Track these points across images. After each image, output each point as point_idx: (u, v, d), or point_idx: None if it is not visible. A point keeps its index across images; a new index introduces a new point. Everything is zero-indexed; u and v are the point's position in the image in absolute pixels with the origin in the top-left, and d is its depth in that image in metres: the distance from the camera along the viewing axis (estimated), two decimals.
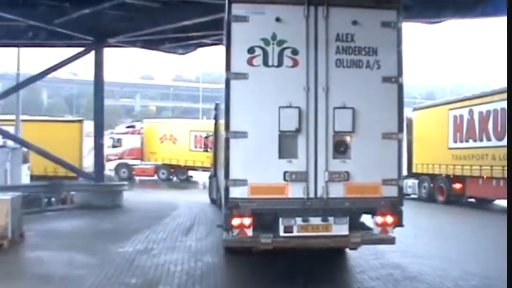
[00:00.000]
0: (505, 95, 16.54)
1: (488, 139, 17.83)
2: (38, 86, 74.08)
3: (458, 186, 19.86)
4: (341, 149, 7.31)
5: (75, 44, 17.89)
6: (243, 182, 7.06)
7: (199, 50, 19.07)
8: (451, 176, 20.02)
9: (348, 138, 7.33)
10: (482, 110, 18.31)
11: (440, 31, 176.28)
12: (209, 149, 21.39)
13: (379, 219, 7.44)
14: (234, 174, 7.08)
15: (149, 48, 19.37)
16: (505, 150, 16.09)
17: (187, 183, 32.69)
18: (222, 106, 7.96)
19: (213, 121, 19.32)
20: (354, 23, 7.34)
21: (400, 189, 7.46)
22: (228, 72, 7.14)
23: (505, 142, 16.41)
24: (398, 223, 7.46)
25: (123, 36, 16.78)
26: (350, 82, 7.36)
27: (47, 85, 79.84)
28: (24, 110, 24.38)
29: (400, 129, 7.50)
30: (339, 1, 7.41)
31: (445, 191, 20.44)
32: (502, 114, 16.79)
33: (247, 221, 7.08)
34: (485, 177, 17.95)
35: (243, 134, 7.10)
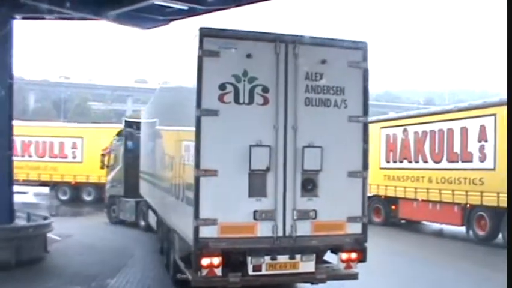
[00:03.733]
0: (443, 116, 18.63)
1: (425, 161, 19.63)
2: (25, 89, 77.29)
3: (393, 207, 21.58)
4: (308, 187, 8.30)
5: None
6: (212, 222, 7.82)
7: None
8: (385, 197, 21.64)
9: (315, 177, 8.35)
10: (417, 130, 20.01)
11: (439, 35, 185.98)
12: (106, 167, 22.05)
13: (344, 255, 8.55)
14: (203, 214, 7.80)
15: (81, 18, 14.44)
16: (442, 173, 18.13)
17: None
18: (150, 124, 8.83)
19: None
20: (323, 62, 8.39)
21: (364, 225, 8.60)
22: (199, 108, 7.85)
23: (442, 165, 18.40)
24: (362, 259, 8.60)
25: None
26: (318, 121, 8.38)
27: (37, 88, 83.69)
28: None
29: (365, 168, 8.66)
30: (309, 40, 8.43)
31: (382, 212, 21.82)
32: (440, 135, 18.59)
33: (216, 260, 7.86)
34: (420, 199, 19.77)
35: (213, 173, 7.87)
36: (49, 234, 13.51)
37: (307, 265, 8.35)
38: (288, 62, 8.27)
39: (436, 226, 20.83)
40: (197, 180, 7.85)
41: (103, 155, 22.63)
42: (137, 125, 20.62)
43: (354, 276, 8.68)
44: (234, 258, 8.17)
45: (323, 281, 8.61)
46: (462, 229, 18.17)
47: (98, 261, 12.99)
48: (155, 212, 14.29)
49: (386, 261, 12.74)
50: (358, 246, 8.56)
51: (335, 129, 8.52)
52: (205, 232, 7.83)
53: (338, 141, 8.51)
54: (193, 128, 7.98)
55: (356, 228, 8.55)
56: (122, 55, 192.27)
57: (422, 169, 19.65)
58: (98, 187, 26.26)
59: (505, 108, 15.35)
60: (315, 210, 8.28)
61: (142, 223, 18.53)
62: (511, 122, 9.77)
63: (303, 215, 8.23)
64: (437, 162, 18.89)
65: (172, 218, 10.37)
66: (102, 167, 22.46)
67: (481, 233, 16.78)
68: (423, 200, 19.56)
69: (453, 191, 17.72)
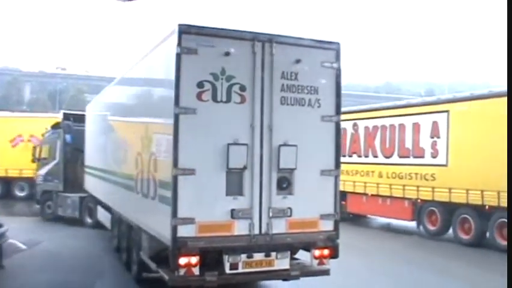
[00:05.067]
0: (395, 111, 19.56)
1: (375, 156, 20.57)
2: (20, 81, 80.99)
3: (342, 202, 22.37)
4: (283, 185, 8.79)
5: None
6: (190, 221, 8.17)
7: None
8: None
9: (290, 175, 8.86)
10: (368, 125, 20.93)
11: (441, 26, 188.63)
12: (37, 160, 21.84)
13: (317, 252, 9.12)
14: (181, 213, 8.13)
15: None
16: (393, 168, 19.08)
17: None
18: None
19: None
20: (298, 61, 8.87)
21: (336, 223, 9.20)
22: (177, 106, 8.16)
23: (393, 160, 19.36)
24: (334, 255, 9.20)
25: None
26: (293, 120, 8.86)
27: (33, 80, 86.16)
28: (5, 105, 22.76)
29: (337, 166, 9.25)
30: (284, 39, 8.90)
31: None
32: (391, 131, 19.55)
33: (194, 259, 8.21)
34: (370, 194, 20.71)
35: (190, 171, 8.22)
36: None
37: (282, 262, 8.87)
38: (265, 61, 8.68)
39: (383, 220, 21.90)
40: (175, 179, 8.15)
41: (34, 147, 22.38)
42: (76, 118, 20.57)
43: (326, 272, 9.26)
44: (211, 256, 8.56)
45: (297, 277, 9.15)
46: (408, 223, 19.37)
47: None
48: (108, 209, 14.45)
49: None
50: (330, 243, 9.14)
51: (308, 128, 9.04)
52: (183, 231, 8.16)
53: (311, 140, 9.04)
54: (169, 125, 8.28)
55: (328, 226, 9.14)
56: (119, 47, 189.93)
57: (372, 164, 20.53)
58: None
59: (457, 105, 16.56)
60: (290, 208, 8.78)
61: (89, 220, 18.58)
62: (511, 121, 10.52)
63: (279, 212, 8.72)
64: (387, 157, 19.81)
65: (138, 216, 10.60)
66: (33, 161, 22.20)
67: (431, 227, 17.85)
68: (372, 195, 20.47)
69: (404, 186, 18.71)
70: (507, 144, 10.08)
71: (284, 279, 9.39)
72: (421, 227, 18.39)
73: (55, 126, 21.58)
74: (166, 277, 8.61)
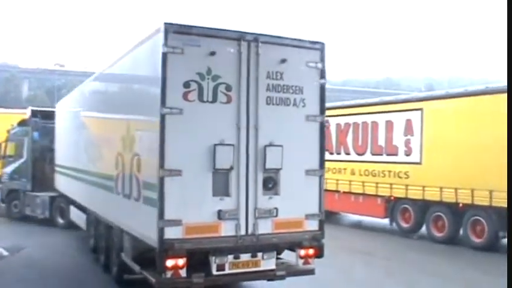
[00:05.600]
0: (367, 109, 19.80)
1: (347, 153, 20.77)
2: (18, 77, 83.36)
3: None
4: (269, 185, 8.87)
5: None
6: (177, 222, 8.18)
7: None
8: None
9: (276, 175, 8.93)
10: (340, 122, 21.02)
11: (440, 21, 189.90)
12: (2, 158, 21.48)
13: (302, 252, 9.26)
14: (168, 215, 8.13)
15: None
16: (366, 165, 19.32)
17: None
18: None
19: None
20: (283, 61, 8.94)
21: (321, 222, 9.33)
22: (163, 106, 8.14)
23: (366, 157, 19.58)
24: (319, 255, 9.34)
25: None
26: (278, 120, 8.94)
27: (31, 76, 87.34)
28: (3, 102, 22.01)
29: (321, 166, 9.38)
30: (270, 39, 8.96)
31: None
32: (364, 128, 19.74)
33: (181, 261, 8.24)
34: (342, 191, 20.91)
35: (177, 172, 8.22)
36: None
37: (268, 263, 8.96)
38: (250, 61, 8.73)
39: (355, 218, 22.18)
40: (161, 180, 8.13)
41: None
42: (45, 115, 20.27)
43: (311, 272, 9.41)
44: (197, 258, 8.58)
45: (282, 277, 9.24)
46: (380, 221, 19.69)
47: None
48: (83, 209, 14.31)
49: None
50: (316, 242, 9.28)
51: (293, 128, 9.13)
52: (170, 233, 8.16)
53: (296, 140, 9.13)
54: (155, 125, 8.26)
55: (313, 225, 9.27)
56: (118, 43, 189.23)
57: (344, 161, 20.68)
58: None
59: (431, 103, 16.84)
60: (276, 208, 8.86)
61: (60, 220, 18.35)
62: (510, 120, 10.74)
63: (265, 213, 8.80)
64: (360, 155, 20.00)
65: (119, 217, 10.55)
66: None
67: (405, 225, 18.15)
68: (345, 192, 20.66)
69: (377, 183, 18.93)
70: (507, 144, 10.27)
71: (270, 279, 9.46)
72: (394, 224, 18.68)
73: (22, 123, 21.20)
74: (153, 280, 8.60)
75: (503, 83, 14.11)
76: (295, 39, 9.25)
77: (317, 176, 9.35)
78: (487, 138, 14.74)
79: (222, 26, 8.84)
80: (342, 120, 20.96)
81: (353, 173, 20.28)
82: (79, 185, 14.46)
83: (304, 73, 9.20)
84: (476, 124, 15.16)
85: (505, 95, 13.60)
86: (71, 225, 16.68)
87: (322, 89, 9.37)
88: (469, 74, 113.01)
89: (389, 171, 18.38)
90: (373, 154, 19.33)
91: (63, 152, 17.32)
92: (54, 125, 18.76)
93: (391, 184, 18.30)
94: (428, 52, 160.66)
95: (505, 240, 15.34)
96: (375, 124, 19.16)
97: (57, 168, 18.00)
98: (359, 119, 20.02)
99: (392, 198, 18.44)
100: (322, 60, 9.33)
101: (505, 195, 13.96)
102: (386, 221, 19.17)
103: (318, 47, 9.35)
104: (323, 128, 9.39)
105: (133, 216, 9.63)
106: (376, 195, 19.08)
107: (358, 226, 21.52)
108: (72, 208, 16.09)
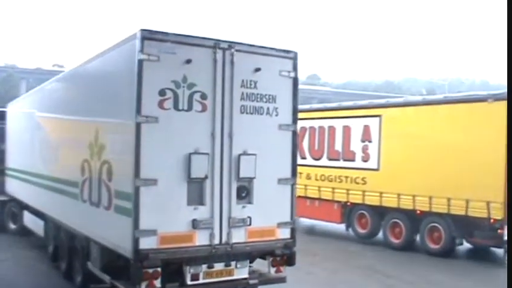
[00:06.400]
0: (324, 113, 20.10)
1: (303, 157, 20.95)
2: (16, 77, 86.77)
3: None
4: (243, 194, 9.00)
5: None
6: (152, 232, 8.20)
7: None
8: None
9: (249, 184, 9.06)
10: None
11: (441, 24, 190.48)
12: None
13: (274, 260, 9.46)
14: (143, 225, 8.14)
15: None
16: (322, 170, 19.62)
17: None
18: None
19: None
20: (257, 70, 9.09)
21: (293, 230, 9.52)
22: (139, 115, 8.13)
23: (322, 162, 19.88)
24: (291, 262, 9.55)
25: None
26: (252, 128, 9.08)
27: (30, 76, 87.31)
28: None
29: (293, 175, 9.56)
30: (244, 47, 9.09)
31: None
32: (320, 133, 19.97)
33: (156, 272, 8.27)
34: (296, 196, 21.01)
35: (152, 182, 8.24)
36: None
37: (241, 271, 9.09)
38: (225, 69, 8.84)
39: (308, 222, 22.43)
40: (137, 190, 8.13)
41: None
42: None
43: (283, 280, 9.61)
44: (171, 267, 8.62)
45: (255, 286, 9.37)
46: (336, 226, 19.92)
47: None
48: (39, 214, 14.07)
49: None
50: (288, 250, 9.48)
51: (267, 137, 9.30)
52: (145, 243, 8.16)
53: (269, 148, 9.29)
54: (129, 134, 8.27)
55: (285, 234, 9.45)
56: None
57: (300, 165, 20.76)
58: None
59: (390, 110, 17.27)
60: (249, 217, 9.00)
61: (12, 226, 17.91)
62: (510, 121, 11.06)
63: (238, 222, 8.92)
64: (316, 159, 20.22)
65: (84, 225, 10.43)
66: None
67: (361, 230, 18.55)
68: (299, 197, 20.80)
69: (333, 188, 19.22)
70: (507, 144, 10.63)
71: None
72: (350, 230, 19.04)
73: None
74: None
75: (475, 91, 14.65)
76: (268, 48, 9.41)
77: (289, 185, 9.53)
78: (445, 146, 15.30)
79: (199, 34, 8.90)
80: (298, 124, 21.04)
81: (308, 178, 20.46)
82: (36, 190, 14.19)
83: (278, 82, 9.37)
84: (435, 132, 15.66)
85: (463, 105, 14.24)
86: (24, 232, 16.29)
87: (295, 97, 9.56)
88: (471, 76, 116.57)
89: (346, 177, 18.69)
90: (329, 159, 19.57)
91: (17, 155, 16.92)
92: (4, 125, 18.29)
93: (348, 190, 18.63)
94: (430, 55, 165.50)
95: (461, 247, 15.99)
96: (332, 129, 19.40)
97: (9, 172, 17.59)
98: (316, 124, 20.20)
99: (349, 203, 18.79)
100: (295, 69, 9.52)
101: (462, 203, 14.64)
102: (342, 226, 19.47)
103: (291, 56, 9.53)
104: (295, 137, 9.59)
105: (102, 225, 9.56)
106: (332, 201, 19.35)
107: (311, 232, 21.73)
108: (26, 213, 15.77)
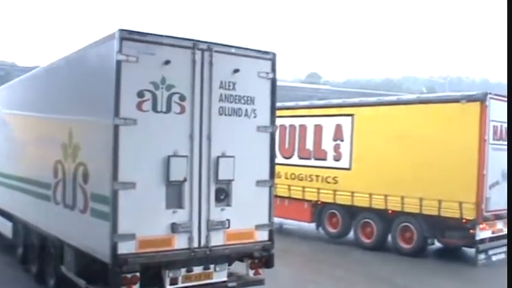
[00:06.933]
0: (296, 112, 20.21)
1: None
2: (15, 75, 79.19)
3: None
4: (221, 197, 9.11)
5: None
6: (131, 237, 8.24)
7: None
8: None
9: (228, 187, 9.17)
10: None
11: (441, 22, 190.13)
12: None
13: (253, 262, 9.62)
14: (122, 229, 8.16)
15: None
16: (292, 169, 19.76)
17: None
18: None
19: None
20: (236, 71, 9.20)
21: (271, 232, 9.68)
22: (117, 117, 8.13)
23: (292, 161, 20.02)
24: (269, 265, 9.71)
25: None
26: (230, 130, 9.19)
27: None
28: None
29: (271, 177, 9.72)
30: (223, 48, 9.17)
31: None
32: (291, 131, 20.01)
33: (135, 276, 8.33)
34: None
35: (131, 185, 8.26)
36: None
37: (220, 274, 9.21)
38: (204, 70, 8.92)
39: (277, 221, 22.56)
40: (115, 193, 8.15)
41: None
42: None
43: (261, 282, 9.78)
44: (150, 272, 8.65)
45: None
46: (302, 224, 20.21)
47: None
48: (6, 215, 13.93)
49: None
50: (266, 252, 9.64)
51: (245, 138, 9.43)
52: (124, 248, 8.19)
53: (247, 150, 9.43)
54: (106, 135, 8.28)
55: (263, 236, 9.63)
56: None
57: None
58: None
59: (363, 109, 17.49)
60: (228, 220, 9.11)
61: None
62: (510, 122, 11.24)
63: (217, 225, 9.02)
64: (286, 158, 20.29)
65: (57, 228, 10.40)
66: None
67: (332, 230, 18.76)
68: None
69: (303, 187, 19.37)
70: (507, 144, 10.86)
71: None
72: (321, 229, 19.25)
73: None
74: None
75: (475, 89, 14.92)
76: (247, 49, 9.52)
77: (267, 187, 9.69)
78: (418, 146, 15.64)
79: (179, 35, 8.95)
80: None
81: (278, 176, 20.40)
82: (3, 191, 14.04)
83: (256, 83, 9.50)
84: (408, 132, 15.94)
85: (437, 106, 14.55)
86: None
87: (273, 99, 9.71)
88: (471, 75, 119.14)
89: (317, 176, 18.85)
90: (300, 158, 19.69)
91: None
92: None
93: (318, 189, 18.80)
94: (430, 53, 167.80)
95: (433, 247, 16.36)
96: (303, 128, 19.51)
97: None
98: (287, 122, 20.21)
99: (319, 203, 18.96)
100: (273, 70, 9.66)
101: (434, 203, 14.97)
102: (312, 225, 19.71)
103: (270, 57, 9.66)
104: (273, 139, 9.74)
105: (78, 229, 9.55)
106: (303, 200, 19.47)
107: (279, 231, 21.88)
108: None
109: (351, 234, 18.26)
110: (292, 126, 20.02)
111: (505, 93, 14.06)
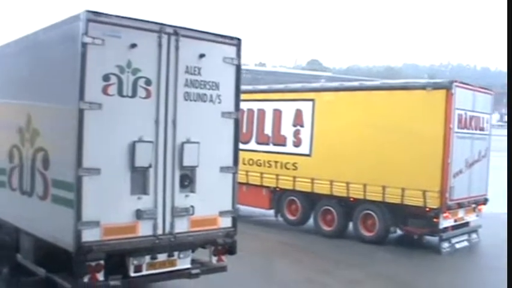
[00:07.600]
0: (254, 96, 20.33)
1: None
2: None
3: None
4: (185, 183, 9.34)
5: None
6: (95, 224, 8.39)
7: None
8: None
9: (192, 173, 9.41)
10: None
11: (442, 9, 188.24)
12: None
13: (216, 249, 9.94)
14: (86, 216, 8.31)
15: None
16: (250, 154, 19.94)
17: None
18: None
19: None
20: (201, 56, 9.42)
21: (234, 219, 10.00)
22: (82, 101, 8.23)
23: (250, 146, 20.17)
24: (232, 251, 10.06)
25: None
26: (195, 116, 9.42)
27: None
28: None
29: (235, 163, 10.00)
30: (190, 33, 9.37)
31: None
32: (249, 116, 19.87)
33: (99, 264, 8.51)
34: None
35: (96, 171, 8.41)
36: None
37: (184, 262, 9.50)
38: (170, 55, 9.09)
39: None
40: (79, 179, 8.26)
41: None
42: None
43: (224, 269, 10.12)
44: (114, 259, 8.83)
45: (197, 276, 9.75)
46: (258, 210, 20.48)
47: None
48: None
49: None
50: (229, 239, 9.95)
51: (209, 124, 9.67)
52: (88, 236, 8.32)
53: (212, 136, 9.69)
54: (69, 120, 8.39)
55: (227, 222, 9.93)
56: None
57: None
58: None
59: (324, 94, 17.85)
60: (192, 206, 9.37)
61: None
62: (510, 121, 11.53)
63: (181, 211, 9.27)
64: (244, 143, 20.19)
65: (13, 215, 10.45)
66: None
67: (291, 217, 19.08)
68: None
69: (262, 173, 19.57)
70: (507, 144, 11.31)
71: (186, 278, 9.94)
72: (279, 216, 19.54)
73: None
74: (68, 285, 8.76)
75: (476, 77, 15.51)
76: (213, 34, 9.71)
77: (231, 173, 9.97)
78: (381, 133, 16.02)
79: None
80: None
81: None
82: None
83: (221, 69, 9.75)
84: (371, 119, 16.33)
85: (401, 92, 15.02)
86: None
87: (237, 85, 9.97)
88: (472, 63, 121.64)
89: (276, 162, 19.06)
90: (258, 143, 19.82)
91: None
92: None
93: (277, 175, 19.02)
94: (432, 41, 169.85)
95: (394, 235, 16.90)
96: (262, 112, 19.60)
97: None
98: (245, 106, 20.11)
99: (278, 189, 19.19)
100: (238, 56, 9.91)
101: (397, 191, 15.47)
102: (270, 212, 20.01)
103: (235, 43, 9.90)
104: (237, 125, 10.01)
105: (37, 216, 9.60)
106: (261, 186, 19.64)
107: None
108: None
109: (310, 222, 18.64)
110: (250, 111, 19.86)
111: (503, 82, 14.61)
